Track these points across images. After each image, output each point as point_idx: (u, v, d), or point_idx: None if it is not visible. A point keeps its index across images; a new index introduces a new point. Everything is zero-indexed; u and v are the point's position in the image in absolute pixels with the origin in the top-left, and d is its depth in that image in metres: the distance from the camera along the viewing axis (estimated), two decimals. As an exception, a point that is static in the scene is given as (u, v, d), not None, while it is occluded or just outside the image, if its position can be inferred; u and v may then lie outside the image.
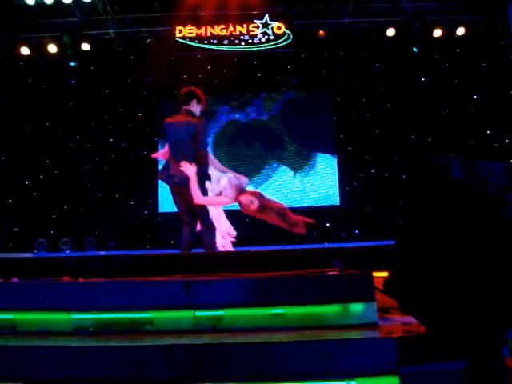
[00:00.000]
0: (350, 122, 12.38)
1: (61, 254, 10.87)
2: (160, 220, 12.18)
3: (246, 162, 12.37)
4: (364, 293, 2.87)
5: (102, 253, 10.89)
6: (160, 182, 12.26)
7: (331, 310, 2.84)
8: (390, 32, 11.60)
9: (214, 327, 2.81)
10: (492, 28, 11.79)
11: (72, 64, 11.92)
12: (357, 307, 2.85)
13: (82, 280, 3.35)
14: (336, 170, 12.34)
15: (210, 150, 12.34)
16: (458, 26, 11.82)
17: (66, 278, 3.45)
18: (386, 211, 11.18)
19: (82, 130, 12.34)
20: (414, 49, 11.86)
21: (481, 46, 11.97)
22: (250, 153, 12.44)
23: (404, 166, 11.45)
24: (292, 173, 12.33)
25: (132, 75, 12.11)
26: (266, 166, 12.37)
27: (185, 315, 2.81)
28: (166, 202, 12.26)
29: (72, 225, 11.78)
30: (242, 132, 12.61)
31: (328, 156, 12.43)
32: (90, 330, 2.90)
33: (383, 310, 3.24)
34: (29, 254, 10.73)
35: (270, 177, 12.31)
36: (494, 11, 11.52)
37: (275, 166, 12.37)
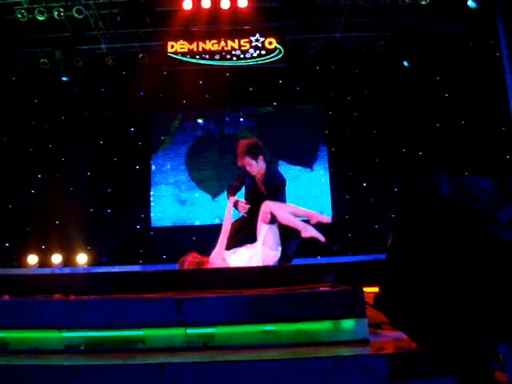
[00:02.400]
0: (341, 136, 12.44)
1: (52, 270, 10.83)
2: (152, 234, 12.16)
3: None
4: (355, 309, 2.88)
5: (94, 269, 10.85)
6: (152, 196, 12.30)
7: (323, 326, 2.85)
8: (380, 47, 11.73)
9: (206, 345, 2.81)
10: (482, 43, 11.93)
11: (64, 79, 11.94)
12: (348, 323, 2.85)
13: (73, 298, 3.35)
14: (328, 184, 12.37)
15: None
16: (449, 41, 11.97)
17: (57, 296, 3.44)
18: (379, 224, 11.23)
19: (73, 144, 12.31)
20: (405, 63, 11.96)
21: (471, 61, 12.07)
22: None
23: (396, 179, 11.49)
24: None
25: (124, 89, 12.11)
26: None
27: (176, 333, 2.81)
28: (158, 216, 12.27)
29: (64, 240, 11.73)
30: (234, 146, 12.61)
31: (320, 169, 12.47)
32: (82, 348, 2.89)
33: (374, 326, 3.25)
34: (20, 271, 10.69)
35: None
36: (484, 26, 11.65)
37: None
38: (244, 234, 5.49)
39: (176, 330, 2.82)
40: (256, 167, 5.48)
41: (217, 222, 12.11)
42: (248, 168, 5.51)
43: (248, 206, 5.38)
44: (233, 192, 5.72)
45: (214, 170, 12.51)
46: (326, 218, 5.21)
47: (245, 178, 5.72)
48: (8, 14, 10.78)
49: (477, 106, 11.96)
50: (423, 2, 10.60)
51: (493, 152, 11.61)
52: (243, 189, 5.83)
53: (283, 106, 12.81)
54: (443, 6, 10.97)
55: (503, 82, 11.22)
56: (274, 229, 5.12)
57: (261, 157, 5.49)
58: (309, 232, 4.97)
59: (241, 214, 5.54)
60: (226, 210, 5.43)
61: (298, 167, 12.46)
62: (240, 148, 5.55)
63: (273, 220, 5.06)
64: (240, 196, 5.74)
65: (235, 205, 5.44)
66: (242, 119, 12.81)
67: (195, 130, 12.74)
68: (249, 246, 5.19)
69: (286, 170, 12.12)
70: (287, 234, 5.23)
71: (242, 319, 2.82)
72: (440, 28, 11.91)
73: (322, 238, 4.96)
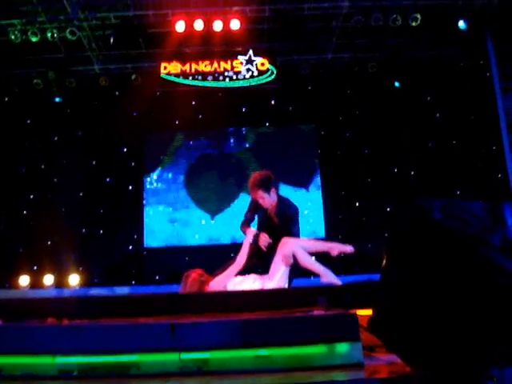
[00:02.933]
0: (333, 156, 12.49)
1: (44, 292, 10.75)
2: (145, 255, 12.12)
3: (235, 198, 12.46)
4: (349, 333, 2.88)
5: (86, 289, 10.80)
6: (145, 216, 12.28)
7: (317, 350, 2.84)
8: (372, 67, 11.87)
9: (200, 369, 2.80)
10: (472, 63, 12.08)
11: (57, 99, 11.97)
12: (342, 347, 2.85)
13: (66, 322, 3.33)
14: (321, 203, 12.40)
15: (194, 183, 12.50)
16: (439, 61, 12.12)
17: (50, 320, 3.43)
18: (372, 244, 11.24)
19: (66, 164, 12.31)
20: (396, 83, 12.08)
21: (462, 81, 12.21)
22: (238, 186, 12.49)
23: (388, 199, 11.55)
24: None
25: (117, 110, 12.14)
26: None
27: (170, 358, 2.79)
28: (151, 236, 12.24)
29: (56, 260, 11.68)
30: (229, 166, 12.67)
31: (313, 189, 12.51)
32: (75, 373, 2.87)
33: (368, 348, 3.25)
34: (12, 292, 10.60)
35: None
36: (474, 47, 11.81)
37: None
38: (253, 262, 5.43)
39: (170, 355, 2.81)
40: (269, 200, 5.47)
41: (210, 242, 12.12)
42: (261, 201, 5.48)
43: (270, 241, 5.27)
44: (247, 224, 5.69)
45: (213, 189, 12.57)
46: (349, 248, 5.24)
47: (257, 210, 5.71)
48: (1, 35, 10.84)
49: (468, 126, 12.07)
50: (414, 24, 10.72)
51: (484, 171, 11.69)
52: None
53: (279, 126, 12.87)
54: (433, 27, 11.12)
55: (493, 102, 11.35)
56: (288, 269, 5.10)
57: (273, 189, 5.49)
58: (327, 278, 5.05)
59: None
60: (243, 244, 5.27)
61: (294, 187, 12.48)
62: (252, 181, 5.49)
63: (294, 263, 5.03)
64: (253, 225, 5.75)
65: (256, 238, 5.31)
66: (232, 140, 12.87)
67: (190, 150, 12.78)
68: (257, 276, 5.12)
69: (282, 190, 12.20)
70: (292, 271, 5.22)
71: (236, 344, 2.82)
72: (431, 49, 12.08)
73: (339, 283, 4.99)
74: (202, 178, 12.62)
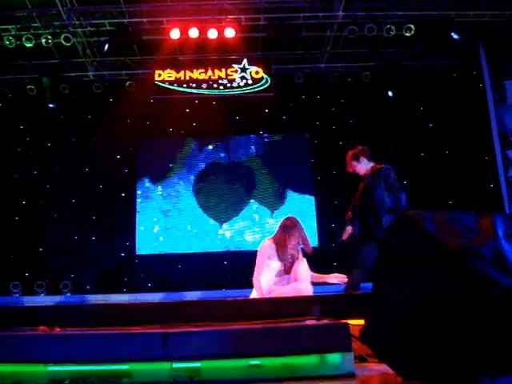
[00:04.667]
0: (327, 164, 12.49)
1: (36, 299, 10.69)
2: (137, 262, 12.07)
3: (226, 203, 12.44)
4: (341, 343, 2.88)
5: (78, 297, 10.75)
6: (138, 223, 12.25)
7: (309, 360, 2.85)
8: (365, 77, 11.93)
9: (192, 379, 2.79)
10: (466, 73, 12.16)
11: (51, 105, 11.94)
12: (334, 357, 2.85)
13: (58, 330, 3.32)
14: (314, 211, 12.41)
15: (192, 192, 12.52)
16: (433, 71, 12.20)
17: (41, 328, 3.42)
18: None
19: (59, 171, 12.28)
20: (389, 93, 12.12)
21: (455, 91, 12.28)
22: (230, 193, 12.50)
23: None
24: (269, 213, 12.41)
25: (111, 117, 12.11)
26: (246, 207, 12.41)
27: (162, 367, 2.79)
28: (144, 244, 12.21)
29: (47, 267, 11.63)
30: (221, 173, 12.68)
31: (306, 197, 12.53)
32: (67, 382, 2.86)
33: (360, 358, 3.25)
34: (3, 299, 10.54)
35: (250, 217, 12.35)
36: (467, 58, 11.90)
37: (256, 206, 12.43)
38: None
39: (162, 365, 2.80)
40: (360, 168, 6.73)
41: (201, 250, 12.11)
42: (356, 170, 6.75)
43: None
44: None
45: (219, 197, 12.63)
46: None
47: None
48: (-5, 40, 10.84)
49: (460, 136, 12.10)
50: (407, 34, 10.78)
51: (476, 181, 11.72)
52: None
53: (268, 134, 12.89)
54: (427, 38, 11.19)
55: (486, 112, 11.41)
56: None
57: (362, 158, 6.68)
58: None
59: None
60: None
61: (283, 194, 12.52)
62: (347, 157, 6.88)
63: None
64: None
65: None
66: (226, 149, 12.88)
67: (183, 158, 12.78)
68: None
69: (270, 196, 12.31)
70: None
71: (228, 353, 2.82)
72: (424, 59, 12.17)
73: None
74: (208, 186, 12.65)
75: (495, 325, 2.30)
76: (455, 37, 10.73)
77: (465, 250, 2.40)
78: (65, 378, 2.86)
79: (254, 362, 2.82)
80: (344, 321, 3.11)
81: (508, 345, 2.22)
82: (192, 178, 12.68)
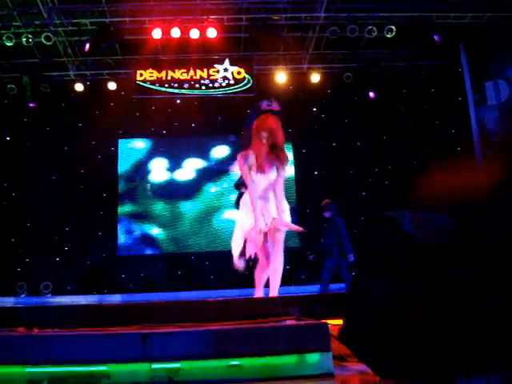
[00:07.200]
0: (308, 165, 12.53)
1: (15, 300, 10.60)
2: (118, 263, 12.01)
3: (206, 204, 12.44)
4: (320, 343, 2.89)
5: (59, 297, 10.67)
6: (119, 224, 12.18)
7: (288, 360, 2.85)
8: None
9: (171, 380, 2.78)
10: (447, 74, 12.25)
11: (31, 105, 11.83)
12: (313, 357, 2.86)
13: (36, 331, 3.29)
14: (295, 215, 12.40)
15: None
16: (415, 72, 12.30)
17: (20, 329, 3.39)
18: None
19: (39, 171, 12.15)
20: (371, 93, 12.19)
21: (436, 92, 12.38)
22: (211, 194, 12.49)
23: (361, 209, 11.57)
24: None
25: (92, 116, 12.05)
26: (228, 212, 12.37)
27: (141, 368, 2.78)
28: (125, 245, 12.15)
29: (28, 268, 11.52)
30: (202, 175, 12.65)
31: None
32: (45, 383, 2.84)
33: (339, 358, 3.26)
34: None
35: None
36: (448, 59, 11.99)
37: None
38: None
39: (141, 365, 2.79)
40: None
41: (184, 250, 12.07)
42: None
43: None
44: None
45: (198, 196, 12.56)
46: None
47: None
48: (-24, 39, 10.71)
49: (441, 136, 12.20)
50: (389, 35, 10.85)
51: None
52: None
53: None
54: (408, 39, 11.27)
55: (467, 113, 11.49)
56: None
57: None
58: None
59: None
60: None
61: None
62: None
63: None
64: None
65: None
66: (208, 150, 12.85)
67: (172, 156, 12.73)
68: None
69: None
70: None
71: (208, 354, 2.81)
72: (405, 60, 12.24)
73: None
74: (180, 185, 12.59)
75: (472, 323, 2.33)
76: (436, 39, 10.81)
77: (440, 248, 2.43)
78: (43, 379, 2.84)
79: (234, 362, 2.82)
80: (323, 321, 3.11)
81: (482, 345, 2.25)
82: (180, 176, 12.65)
